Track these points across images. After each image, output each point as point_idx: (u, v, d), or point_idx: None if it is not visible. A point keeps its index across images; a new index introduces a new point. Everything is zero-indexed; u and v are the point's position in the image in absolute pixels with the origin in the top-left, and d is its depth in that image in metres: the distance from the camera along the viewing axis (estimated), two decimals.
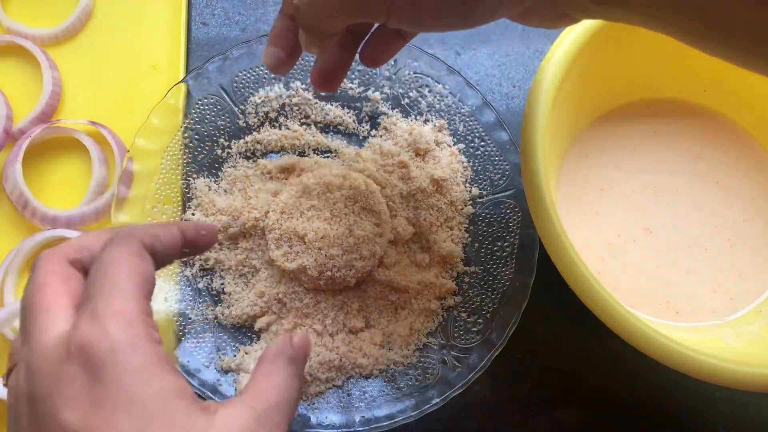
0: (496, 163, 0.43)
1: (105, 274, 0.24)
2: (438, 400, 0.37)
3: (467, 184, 0.43)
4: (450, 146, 0.44)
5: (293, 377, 0.27)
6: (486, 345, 0.38)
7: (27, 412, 0.22)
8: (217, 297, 0.41)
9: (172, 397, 0.22)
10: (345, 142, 0.44)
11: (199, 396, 0.37)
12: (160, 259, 0.27)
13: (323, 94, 0.45)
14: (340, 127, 0.45)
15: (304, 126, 0.45)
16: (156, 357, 0.23)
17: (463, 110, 0.44)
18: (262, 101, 0.44)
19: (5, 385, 0.25)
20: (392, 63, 0.44)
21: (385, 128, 0.44)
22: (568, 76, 0.37)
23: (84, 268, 0.26)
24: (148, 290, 0.25)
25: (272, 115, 0.44)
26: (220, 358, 0.39)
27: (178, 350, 0.38)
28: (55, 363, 0.22)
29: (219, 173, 0.43)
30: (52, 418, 0.21)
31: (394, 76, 0.44)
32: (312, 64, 0.45)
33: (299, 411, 0.38)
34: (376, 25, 0.33)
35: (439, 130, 0.44)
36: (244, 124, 0.44)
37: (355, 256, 0.38)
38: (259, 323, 0.40)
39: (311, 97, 0.45)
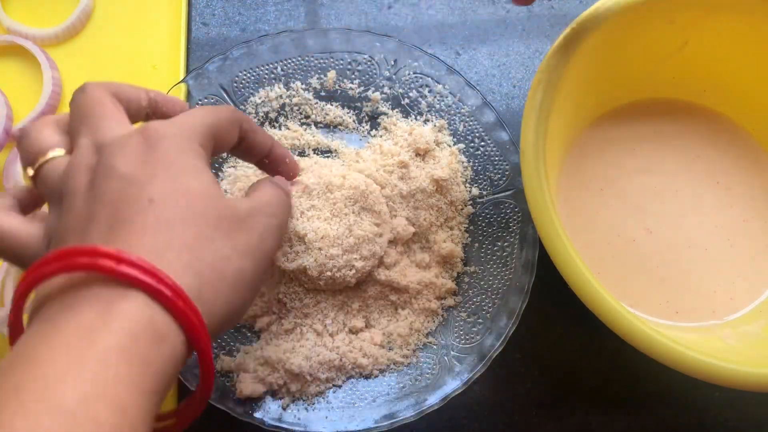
0: (496, 163, 0.43)
1: (193, 109, 0.30)
2: (438, 400, 0.37)
3: (467, 184, 0.43)
4: (450, 146, 0.44)
5: (275, 187, 0.32)
6: (485, 345, 0.38)
7: (86, 174, 0.27)
8: None
9: (205, 169, 0.28)
10: (345, 142, 0.44)
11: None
12: (248, 142, 0.33)
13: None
14: (340, 127, 0.45)
15: (304, 126, 0.45)
16: (203, 156, 0.28)
17: (463, 110, 0.44)
18: (262, 101, 0.44)
19: (33, 177, 0.29)
20: (392, 63, 0.44)
21: (385, 128, 0.44)
22: (568, 76, 0.37)
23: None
24: (218, 141, 0.30)
25: (272, 115, 0.44)
26: (220, 357, 0.39)
27: None
28: (123, 136, 0.27)
29: (219, 173, 0.43)
30: (110, 169, 0.26)
31: (394, 76, 0.44)
32: (310, 63, 0.45)
33: (299, 413, 0.38)
34: None
35: (439, 130, 0.44)
36: None
37: (355, 256, 0.38)
38: (259, 323, 0.40)
39: (311, 97, 0.45)
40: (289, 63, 0.44)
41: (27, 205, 0.31)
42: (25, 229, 0.28)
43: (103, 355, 0.21)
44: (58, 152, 0.29)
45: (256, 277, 0.28)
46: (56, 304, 0.23)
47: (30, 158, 0.29)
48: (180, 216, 0.25)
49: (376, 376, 0.39)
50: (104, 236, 0.24)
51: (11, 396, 0.20)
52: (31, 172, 0.29)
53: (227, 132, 0.31)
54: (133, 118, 0.31)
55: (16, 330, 0.25)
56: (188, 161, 0.27)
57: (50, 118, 0.30)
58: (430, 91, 0.44)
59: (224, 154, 0.44)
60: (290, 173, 0.37)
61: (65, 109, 0.47)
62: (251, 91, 0.44)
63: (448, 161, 0.42)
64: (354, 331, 0.40)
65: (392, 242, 0.41)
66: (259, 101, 0.44)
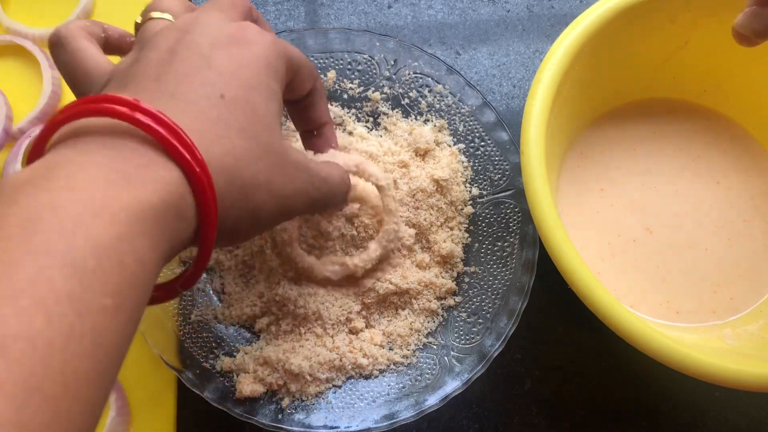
0: (496, 163, 0.43)
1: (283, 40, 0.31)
2: (438, 400, 0.37)
3: (467, 184, 0.43)
4: (450, 146, 0.44)
5: (345, 181, 0.34)
6: (485, 345, 0.38)
7: (176, 35, 0.28)
8: (217, 297, 0.41)
9: (275, 97, 0.29)
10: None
11: (198, 393, 0.37)
12: (311, 102, 0.35)
13: None
14: (340, 127, 0.45)
15: None
16: (281, 82, 0.29)
17: (463, 110, 0.44)
18: None
19: (137, 25, 0.31)
20: (392, 63, 0.44)
21: (385, 128, 0.44)
22: (568, 76, 0.37)
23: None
24: (296, 81, 0.32)
25: None
26: (220, 358, 0.39)
27: (178, 350, 0.38)
28: (222, 21, 0.29)
29: None
30: (196, 44, 0.27)
31: (394, 76, 0.44)
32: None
33: (299, 413, 0.38)
34: None
35: (439, 130, 0.44)
36: None
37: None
38: (259, 324, 0.40)
39: None
40: None
41: (109, 46, 0.33)
42: (97, 58, 0.29)
43: (137, 205, 0.21)
44: (168, 16, 0.30)
45: (268, 222, 0.29)
46: (96, 139, 0.23)
47: (145, 10, 0.31)
48: (239, 125, 0.26)
49: (376, 377, 0.39)
50: (164, 102, 0.25)
51: (48, 211, 0.20)
52: (139, 20, 0.31)
53: (305, 79, 0.32)
54: None
55: (36, 154, 0.24)
56: (268, 81, 0.28)
57: None
58: (430, 91, 0.44)
59: None
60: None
61: None
62: None
63: (448, 161, 0.42)
64: (354, 332, 0.40)
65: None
66: None
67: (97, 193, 0.21)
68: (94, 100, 0.23)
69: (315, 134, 0.35)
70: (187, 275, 0.27)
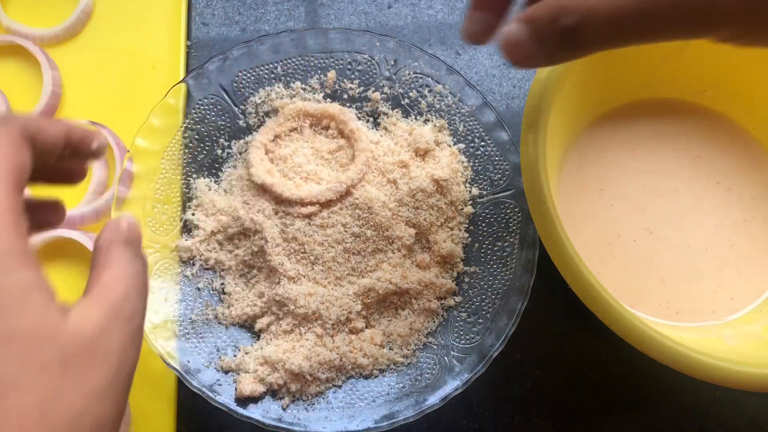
0: (496, 163, 0.43)
1: None
2: (438, 400, 0.37)
3: (467, 184, 0.43)
4: (450, 146, 0.44)
5: (133, 260, 0.25)
6: (485, 345, 0.38)
7: None
8: (217, 297, 0.41)
9: (30, 289, 0.21)
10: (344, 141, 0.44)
11: (199, 393, 0.37)
12: (39, 152, 0.25)
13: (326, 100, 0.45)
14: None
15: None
16: (19, 249, 0.21)
17: (463, 110, 0.44)
18: (262, 101, 0.44)
19: None
20: (392, 63, 0.44)
21: (385, 128, 0.44)
22: (568, 76, 0.37)
23: None
24: (22, 183, 0.23)
25: (272, 115, 0.44)
26: (220, 358, 0.39)
27: (178, 350, 0.38)
28: None
29: (219, 173, 0.43)
30: None
31: (394, 76, 0.44)
32: (310, 63, 0.45)
33: (299, 413, 0.38)
34: None
35: (439, 130, 0.44)
36: (244, 124, 0.44)
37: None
38: (259, 324, 0.40)
39: (311, 97, 0.45)
40: (289, 63, 0.44)
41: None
42: None
43: None
44: None
45: (119, 413, 0.23)
46: None
47: None
48: (15, 376, 0.20)
49: (376, 376, 0.39)
50: None
51: None
52: None
53: (25, 160, 0.24)
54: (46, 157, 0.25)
55: None
56: (8, 279, 0.21)
57: None
58: (430, 91, 0.44)
59: (223, 154, 0.44)
60: (95, 148, 0.28)
61: (65, 109, 0.47)
62: (251, 91, 0.44)
63: (448, 161, 0.42)
64: (354, 332, 0.40)
65: (394, 245, 0.41)
66: (259, 101, 0.44)
67: None
68: None
69: (69, 152, 0.27)
70: None
